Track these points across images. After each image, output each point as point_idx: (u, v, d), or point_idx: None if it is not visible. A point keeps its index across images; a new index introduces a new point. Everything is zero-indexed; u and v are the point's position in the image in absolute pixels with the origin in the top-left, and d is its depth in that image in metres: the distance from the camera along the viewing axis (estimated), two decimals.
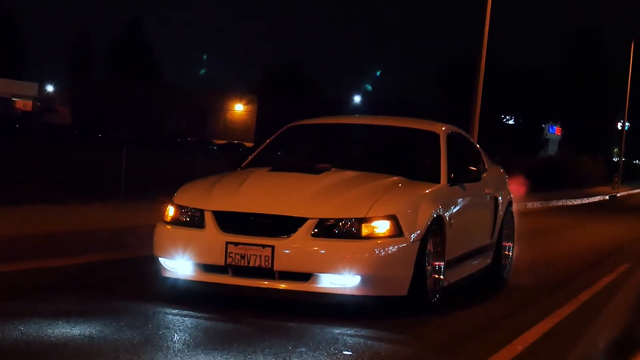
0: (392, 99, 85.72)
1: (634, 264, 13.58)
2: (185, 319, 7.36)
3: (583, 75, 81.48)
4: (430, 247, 8.06)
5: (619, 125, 72.94)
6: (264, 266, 7.60)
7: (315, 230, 7.63)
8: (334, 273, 7.55)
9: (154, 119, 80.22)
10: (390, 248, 7.67)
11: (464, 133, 10.55)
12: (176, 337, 6.75)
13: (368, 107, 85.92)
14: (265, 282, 7.67)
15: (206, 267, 7.85)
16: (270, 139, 9.78)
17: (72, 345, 6.25)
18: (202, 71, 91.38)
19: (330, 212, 7.72)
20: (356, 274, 7.55)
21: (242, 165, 9.30)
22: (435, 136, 9.40)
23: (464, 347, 7.09)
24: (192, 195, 8.24)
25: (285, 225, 7.68)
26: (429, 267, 8.03)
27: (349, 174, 8.60)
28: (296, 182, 8.26)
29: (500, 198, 10.34)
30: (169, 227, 8.12)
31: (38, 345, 6.19)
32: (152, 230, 8.27)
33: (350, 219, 7.68)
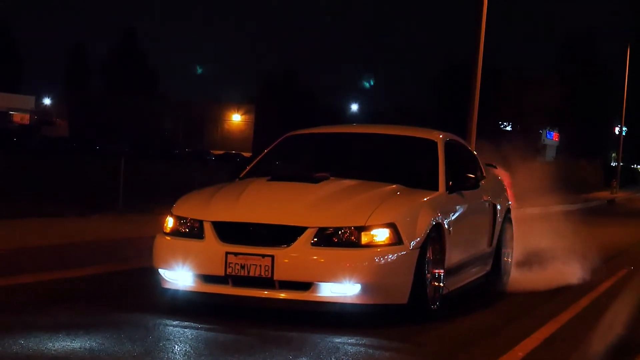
0: (389, 107, 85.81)
1: (634, 269, 13.58)
2: (185, 330, 7.36)
3: (580, 80, 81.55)
4: (429, 254, 8.06)
5: (617, 129, 73.01)
6: (264, 276, 7.60)
7: (315, 239, 7.64)
8: (334, 282, 7.55)
9: (151, 130, 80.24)
10: (390, 256, 7.67)
11: (461, 140, 10.56)
12: (177, 348, 6.74)
13: (365, 116, 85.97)
14: (266, 292, 7.67)
15: (206, 278, 7.85)
16: (268, 149, 9.78)
17: (72, 359, 6.24)
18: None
19: (329, 221, 7.73)
20: (356, 283, 7.55)
21: (241, 176, 9.31)
22: (432, 144, 9.41)
23: (465, 354, 7.09)
24: (191, 206, 8.24)
25: (285, 235, 7.68)
26: (428, 275, 8.03)
27: (348, 182, 8.61)
28: (295, 192, 8.26)
29: (498, 205, 10.34)
30: (168, 238, 8.12)
31: (39, 359, 6.18)
32: (151, 242, 8.27)
33: (349, 228, 7.68)
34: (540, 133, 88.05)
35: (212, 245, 7.80)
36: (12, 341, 6.59)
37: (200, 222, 7.96)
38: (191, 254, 7.86)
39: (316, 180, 8.48)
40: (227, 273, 7.68)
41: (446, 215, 8.54)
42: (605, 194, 47.79)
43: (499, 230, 10.29)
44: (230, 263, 7.66)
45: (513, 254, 10.98)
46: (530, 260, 11.51)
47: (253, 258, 7.62)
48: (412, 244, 7.81)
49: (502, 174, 11.46)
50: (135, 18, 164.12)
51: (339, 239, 7.65)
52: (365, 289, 7.58)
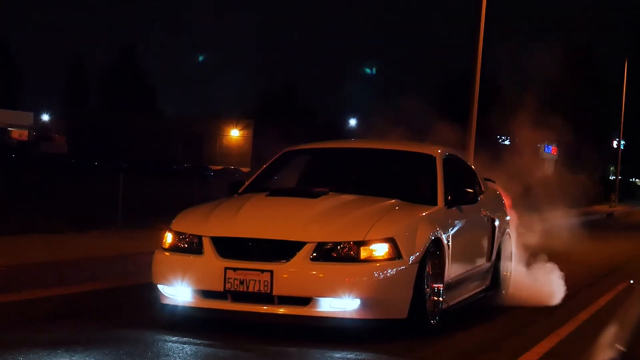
0: (387, 122, 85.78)
1: (634, 283, 13.57)
2: (184, 346, 7.34)
3: (578, 93, 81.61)
4: (429, 269, 8.05)
5: (615, 143, 73.07)
6: (263, 291, 7.59)
7: (314, 254, 7.63)
8: (334, 297, 7.54)
9: (149, 146, 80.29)
10: (389, 271, 7.66)
11: (459, 155, 10.57)
12: None
13: (364, 130, 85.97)
14: (265, 307, 7.66)
15: (205, 293, 7.84)
16: (266, 165, 9.79)
17: None
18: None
19: (328, 235, 7.72)
20: (356, 298, 7.54)
21: (240, 191, 9.31)
22: (431, 159, 9.41)
23: None
24: (190, 222, 8.24)
25: (284, 250, 7.68)
26: (428, 290, 8.03)
27: (346, 197, 8.61)
28: (294, 207, 8.26)
29: (497, 220, 10.33)
30: (167, 253, 8.11)
31: None
32: (150, 258, 8.26)
33: (348, 242, 7.68)
34: (539, 147, 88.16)
35: (211, 261, 7.79)
36: (11, 358, 6.58)
37: (199, 237, 7.96)
38: (190, 269, 7.85)
39: (315, 195, 8.48)
40: (226, 288, 7.68)
41: (445, 229, 8.54)
42: (604, 208, 47.82)
43: (497, 244, 10.28)
44: (229, 278, 7.66)
45: (512, 268, 10.96)
46: (529, 274, 11.49)
47: (252, 273, 7.61)
48: (411, 258, 7.80)
49: (502, 195, 11.42)
50: (133, 34, 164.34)
51: (338, 253, 7.65)
52: (365, 304, 7.57)
